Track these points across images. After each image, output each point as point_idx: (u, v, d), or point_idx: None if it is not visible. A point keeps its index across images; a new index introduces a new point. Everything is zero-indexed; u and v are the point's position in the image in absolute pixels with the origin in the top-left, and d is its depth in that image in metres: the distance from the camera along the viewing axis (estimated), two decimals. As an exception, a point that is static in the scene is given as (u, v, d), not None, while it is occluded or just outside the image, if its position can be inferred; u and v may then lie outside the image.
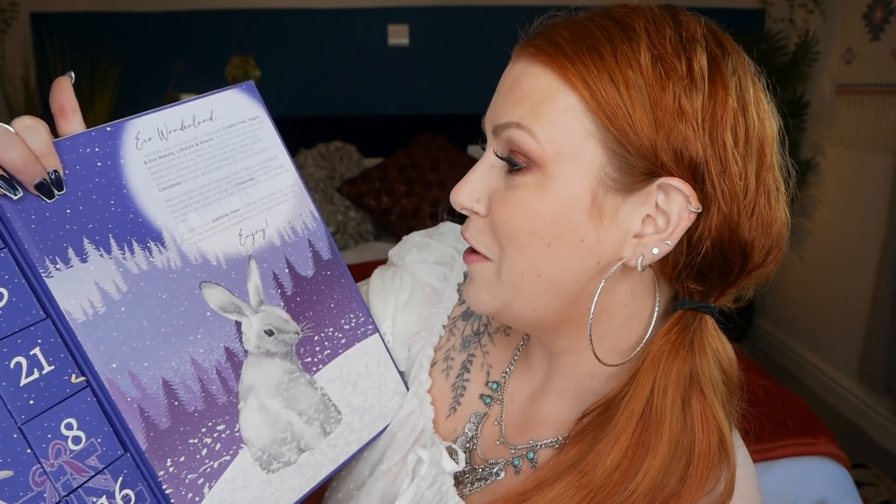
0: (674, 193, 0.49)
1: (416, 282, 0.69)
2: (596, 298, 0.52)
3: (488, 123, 0.54)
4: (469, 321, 0.68)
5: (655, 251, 0.50)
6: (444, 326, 0.68)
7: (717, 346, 0.54)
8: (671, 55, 0.48)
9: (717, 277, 0.52)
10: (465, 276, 0.69)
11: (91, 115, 2.94)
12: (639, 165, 0.48)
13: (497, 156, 0.53)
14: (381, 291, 0.69)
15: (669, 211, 0.49)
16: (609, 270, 0.51)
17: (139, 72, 3.13)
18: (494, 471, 0.61)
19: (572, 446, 0.54)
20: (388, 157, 3.07)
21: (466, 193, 0.54)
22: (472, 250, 0.56)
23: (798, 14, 3.04)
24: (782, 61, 3.03)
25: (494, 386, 0.65)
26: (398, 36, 3.27)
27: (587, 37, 0.49)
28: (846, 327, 2.78)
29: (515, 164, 0.51)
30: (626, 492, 0.50)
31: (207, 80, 3.14)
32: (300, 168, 3.04)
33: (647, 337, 0.55)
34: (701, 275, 0.52)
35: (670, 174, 0.49)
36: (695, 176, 0.49)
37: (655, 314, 0.55)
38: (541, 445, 0.60)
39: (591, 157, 0.49)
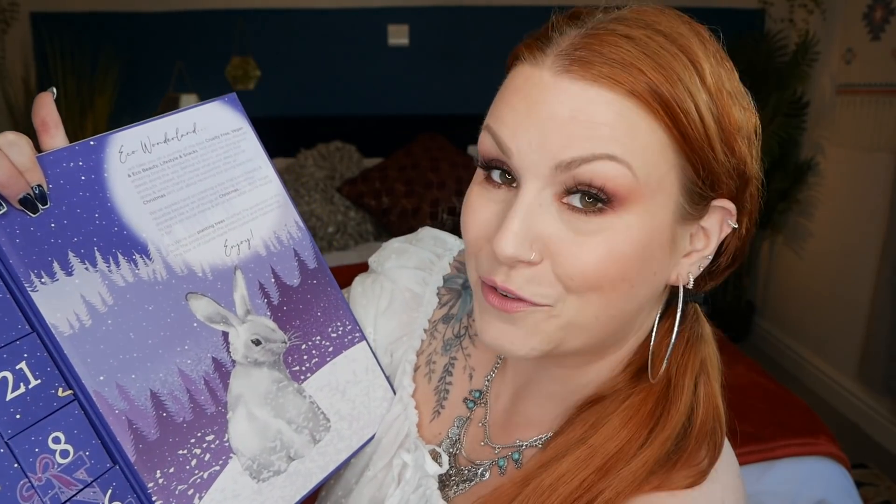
0: (716, 210, 0.49)
1: (396, 287, 0.69)
2: (654, 331, 0.53)
3: (537, 157, 0.46)
4: (449, 324, 0.68)
5: (701, 267, 0.51)
6: (425, 330, 0.67)
7: (711, 331, 0.57)
8: (726, 74, 0.47)
9: (719, 274, 0.54)
10: (444, 278, 0.69)
11: (91, 115, 2.95)
12: (707, 193, 0.48)
13: (568, 204, 0.46)
14: (363, 298, 0.69)
15: (710, 227, 0.50)
16: (661, 294, 0.52)
17: (139, 72, 3.13)
18: (479, 472, 0.60)
19: (571, 430, 0.54)
20: (388, 157, 3.07)
21: (518, 242, 0.46)
22: (502, 294, 0.49)
23: (798, 14, 3.04)
24: (782, 61, 3.03)
25: (477, 394, 0.65)
26: (398, 36, 3.27)
27: (656, 58, 0.44)
28: (846, 327, 2.78)
29: (599, 199, 0.45)
30: (635, 460, 0.50)
31: (207, 80, 3.15)
32: (300, 168, 3.04)
33: (672, 343, 0.53)
34: (710, 275, 0.54)
35: (722, 195, 0.49)
36: (740, 194, 0.49)
37: (658, 315, 0.55)
38: (525, 445, 0.59)
39: (671, 190, 0.46)
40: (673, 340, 0.53)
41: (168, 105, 2.81)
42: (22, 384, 0.43)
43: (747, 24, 3.23)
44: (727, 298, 3.35)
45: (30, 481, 0.42)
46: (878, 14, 2.58)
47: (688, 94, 0.44)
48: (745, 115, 0.48)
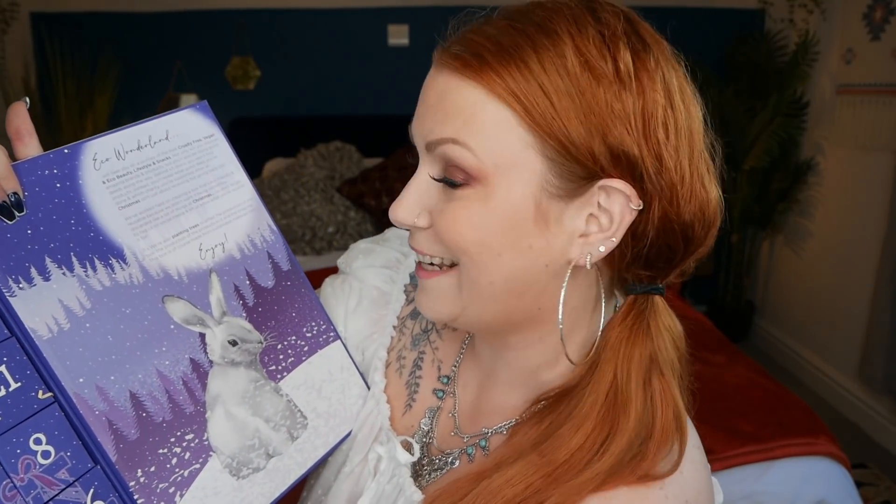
0: (615, 193, 0.50)
1: (364, 286, 0.71)
2: (561, 305, 0.54)
3: (418, 138, 0.54)
4: (417, 320, 0.70)
5: (602, 249, 0.52)
6: (394, 327, 0.70)
7: (669, 324, 0.57)
8: (597, 57, 0.48)
9: (663, 263, 0.54)
10: (411, 276, 0.71)
11: (91, 115, 2.95)
12: (578, 171, 0.49)
13: (432, 178, 0.53)
14: (332, 299, 0.71)
15: (612, 209, 0.51)
16: (564, 274, 0.53)
17: (139, 72, 3.13)
18: (449, 460, 0.62)
19: (529, 427, 0.56)
20: (388, 157, 3.07)
21: (405, 210, 0.54)
22: (421, 265, 0.56)
23: (798, 14, 3.04)
24: (782, 61, 3.03)
25: (445, 380, 0.67)
26: (398, 36, 3.27)
27: (511, 46, 0.49)
28: (846, 327, 2.78)
29: (453, 182, 0.51)
30: (588, 469, 0.51)
31: (207, 80, 3.15)
32: (300, 168, 3.04)
33: (601, 325, 0.56)
34: (647, 262, 0.54)
35: (610, 176, 0.50)
36: (633, 174, 0.50)
37: (603, 302, 0.57)
38: (491, 432, 0.61)
39: (532, 168, 0.49)
40: (601, 326, 0.56)
41: (168, 105, 2.81)
42: (2, 387, 0.43)
43: (747, 24, 3.23)
44: (727, 298, 3.35)
45: (12, 482, 0.43)
46: (878, 14, 2.58)
47: (533, 79, 0.48)
48: (632, 100, 0.49)
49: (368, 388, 0.67)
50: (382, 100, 3.32)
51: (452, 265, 0.55)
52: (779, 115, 2.92)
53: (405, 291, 0.71)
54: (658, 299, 0.57)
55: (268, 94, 3.21)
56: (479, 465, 0.56)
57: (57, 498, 0.44)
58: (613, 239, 0.52)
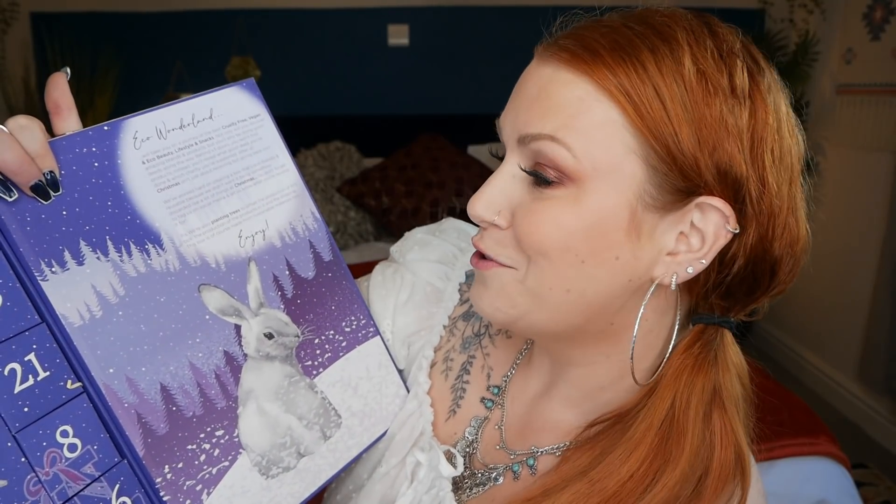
0: (711, 212, 0.48)
1: (417, 280, 0.68)
2: (638, 323, 0.51)
3: (510, 131, 0.51)
4: (470, 322, 0.67)
5: (690, 270, 0.49)
6: (444, 327, 0.66)
7: (737, 361, 0.54)
8: (714, 70, 0.46)
9: (743, 294, 0.52)
10: (467, 275, 0.68)
11: (91, 115, 2.94)
12: (680, 183, 0.47)
13: (523, 169, 0.50)
14: (382, 289, 0.68)
15: (705, 229, 0.48)
16: (645, 291, 0.51)
17: (139, 72, 3.13)
18: (493, 476, 0.60)
19: (581, 454, 0.53)
20: (388, 157, 3.07)
21: (486, 205, 0.51)
22: (482, 255, 0.53)
23: (798, 14, 3.04)
24: (782, 61, 3.03)
25: (496, 390, 0.64)
26: (398, 36, 3.27)
27: (627, 45, 0.46)
28: (846, 327, 2.78)
29: (545, 178, 0.48)
30: (640, 502, 0.49)
31: (207, 80, 3.14)
32: (300, 168, 3.04)
33: (669, 351, 0.54)
34: (728, 292, 0.51)
35: (711, 193, 0.47)
36: (736, 195, 0.48)
37: (676, 330, 0.54)
38: (541, 452, 0.59)
39: (631, 174, 0.47)
40: (669, 352, 0.53)
41: (168, 105, 2.80)
42: (31, 376, 0.42)
43: (747, 24, 3.21)
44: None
45: (37, 476, 0.41)
46: (878, 14, 2.58)
47: (650, 81, 0.46)
48: (744, 117, 0.47)
49: (407, 388, 0.64)
50: (382, 100, 3.32)
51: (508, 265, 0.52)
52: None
53: (460, 290, 0.67)
54: (728, 335, 0.54)
55: (267, 93, 3.19)
56: (526, 490, 0.54)
57: (82, 493, 0.43)
58: (703, 261, 0.49)
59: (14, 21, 3.10)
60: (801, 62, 2.90)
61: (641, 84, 0.46)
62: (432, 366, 0.65)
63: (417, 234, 0.71)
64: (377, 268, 0.71)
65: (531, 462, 0.59)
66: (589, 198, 0.47)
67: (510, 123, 0.51)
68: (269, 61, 3.18)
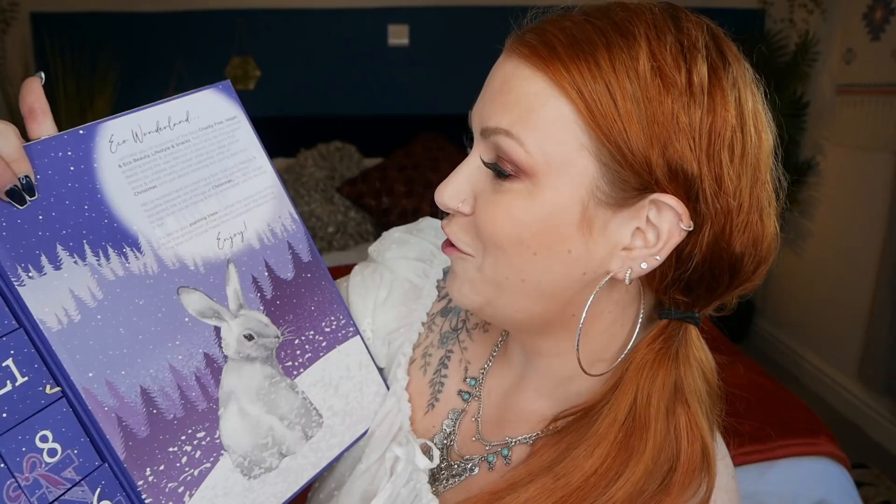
0: (665, 209, 0.48)
1: (396, 278, 0.69)
2: (585, 313, 0.52)
3: (476, 122, 0.52)
4: (448, 317, 0.68)
5: (644, 265, 0.50)
6: (423, 324, 0.67)
7: (701, 356, 0.55)
8: (671, 66, 0.46)
9: (704, 291, 0.52)
10: (445, 271, 0.68)
11: (91, 115, 2.94)
12: (632, 180, 0.47)
13: (483, 162, 0.51)
14: (361, 288, 0.68)
15: (660, 226, 0.48)
16: (598, 283, 0.51)
17: (139, 72, 3.13)
18: (469, 467, 0.61)
19: (547, 448, 0.54)
20: (388, 157, 3.07)
21: (451, 193, 0.52)
22: (450, 243, 0.55)
23: (798, 14, 3.04)
24: (782, 61, 3.03)
25: (472, 382, 0.65)
26: (398, 36, 3.27)
27: (584, 41, 0.47)
28: (846, 327, 2.78)
29: (503, 171, 0.49)
30: (604, 497, 0.49)
31: (207, 81, 3.12)
32: (300, 168, 3.04)
33: (630, 345, 0.54)
34: (688, 288, 0.52)
35: (664, 190, 0.47)
36: (689, 193, 0.47)
37: (640, 323, 0.55)
38: (515, 442, 0.60)
39: (583, 170, 0.47)
40: (631, 344, 0.54)
41: (168, 105, 2.80)
42: (8, 381, 0.41)
43: (747, 24, 3.23)
44: (727, 298, 3.35)
45: (17, 481, 0.41)
46: (878, 14, 2.58)
47: (601, 77, 0.46)
48: (701, 116, 0.46)
49: (387, 386, 0.65)
50: (382, 100, 3.32)
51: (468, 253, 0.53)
52: (779, 115, 2.91)
53: (437, 287, 0.68)
54: (692, 330, 0.54)
55: (268, 94, 3.20)
56: (493, 484, 0.55)
57: (62, 498, 0.43)
58: (658, 257, 0.49)
59: (14, 21, 3.10)
60: (801, 62, 2.90)
61: (594, 81, 0.46)
62: (411, 362, 0.66)
63: (395, 234, 0.72)
64: (356, 268, 0.71)
65: (506, 452, 0.60)
66: (542, 192, 0.48)
67: (476, 115, 0.52)
68: (269, 61, 3.18)
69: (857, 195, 2.72)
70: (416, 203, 2.89)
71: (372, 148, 3.23)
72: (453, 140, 3.14)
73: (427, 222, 0.72)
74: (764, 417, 1.60)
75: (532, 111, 0.47)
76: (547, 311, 0.53)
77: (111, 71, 2.97)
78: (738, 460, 1.48)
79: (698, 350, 0.55)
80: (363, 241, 2.96)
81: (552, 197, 0.48)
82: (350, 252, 2.82)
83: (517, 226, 0.49)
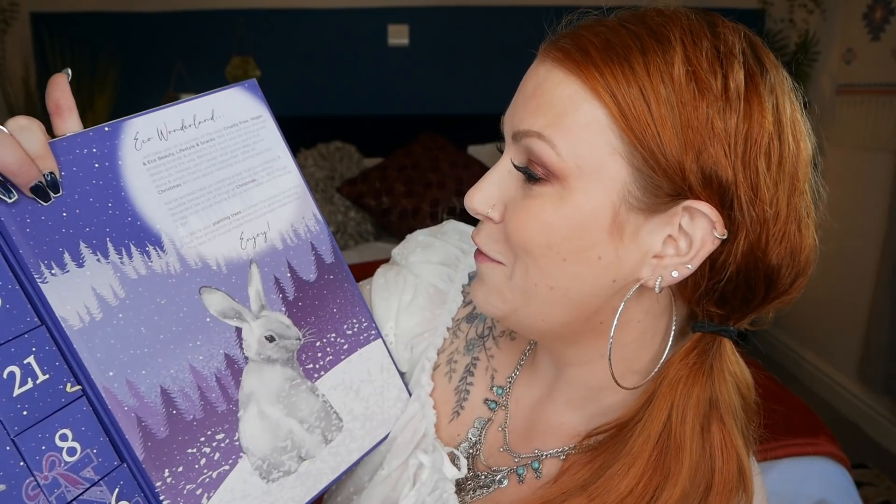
0: (699, 216, 0.47)
1: (420, 282, 0.67)
2: (616, 321, 0.51)
3: (507, 126, 0.52)
4: (473, 324, 0.66)
5: (675, 274, 0.48)
6: (448, 329, 0.66)
7: (736, 370, 0.53)
8: (706, 71, 0.45)
9: (739, 303, 0.50)
10: (470, 276, 0.68)
11: (90, 116, 2.94)
12: (665, 186, 0.46)
13: (514, 165, 0.50)
14: (385, 291, 0.67)
15: (693, 234, 0.47)
16: (628, 291, 0.50)
17: (139, 72, 3.12)
18: (497, 478, 0.59)
19: (580, 466, 0.53)
20: (388, 157, 3.07)
21: (481, 199, 0.51)
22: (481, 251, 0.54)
23: (798, 14, 3.04)
24: (782, 61, 3.02)
25: (499, 391, 0.63)
26: (398, 36, 3.27)
27: (618, 45, 0.46)
28: (846, 327, 2.78)
29: (533, 175, 0.48)
30: None
31: (207, 80, 3.14)
32: (300, 168, 3.04)
33: (664, 357, 0.53)
34: (722, 299, 0.50)
35: (697, 197, 0.46)
36: (723, 201, 0.46)
37: (672, 335, 0.53)
38: (546, 455, 0.59)
39: (615, 175, 0.46)
40: (663, 359, 0.53)
41: (168, 105, 2.80)
42: (30, 379, 0.41)
43: (747, 24, 3.21)
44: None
45: (35, 480, 0.41)
46: (878, 14, 2.58)
47: (635, 81, 0.45)
48: (736, 122, 0.46)
49: (409, 391, 0.64)
50: (382, 100, 3.32)
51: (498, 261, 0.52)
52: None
53: (463, 292, 0.67)
54: (727, 344, 0.52)
55: (267, 93, 3.18)
56: (525, 499, 0.53)
57: (81, 497, 0.42)
58: (689, 266, 0.48)
59: (14, 21, 3.10)
60: (801, 62, 2.90)
61: (627, 85, 0.45)
62: (435, 368, 0.65)
63: (419, 237, 0.71)
64: (379, 270, 0.70)
65: (536, 465, 0.59)
66: (573, 196, 0.47)
67: (508, 119, 0.52)
68: (269, 61, 3.17)
69: (857, 195, 2.72)
70: (416, 203, 2.88)
71: (372, 148, 3.23)
72: (453, 140, 3.14)
73: (451, 225, 0.72)
74: (764, 417, 1.60)
75: (565, 114, 0.47)
76: (575, 319, 0.52)
77: (111, 71, 2.97)
78: (738, 460, 1.48)
79: (733, 364, 0.53)
80: (363, 241, 2.95)
81: (583, 201, 0.47)
82: (350, 252, 2.82)
83: (546, 230, 0.48)
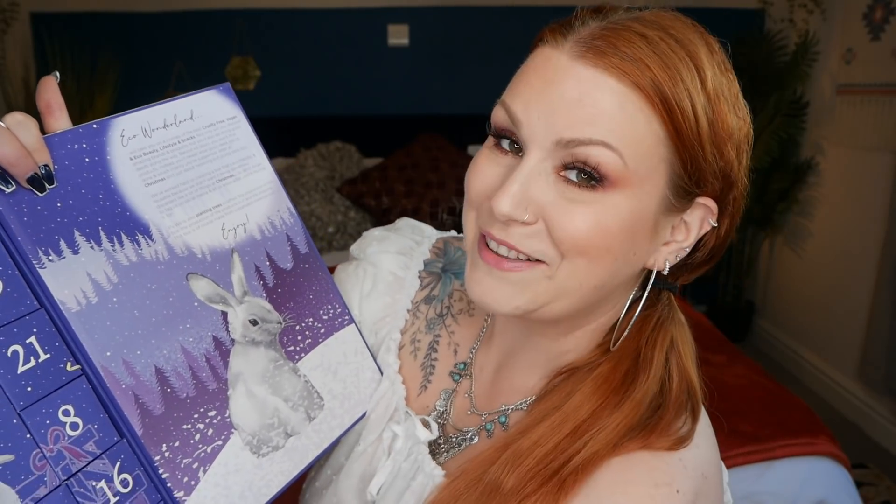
0: (698, 206, 0.53)
1: (379, 271, 0.72)
2: (625, 309, 0.58)
3: (544, 131, 0.50)
4: (432, 304, 0.71)
5: (676, 257, 0.55)
6: (408, 311, 0.71)
7: (682, 316, 0.62)
8: (726, 81, 0.51)
9: (695, 268, 0.59)
10: (425, 263, 0.72)
11: (91, 115, 2.94)
12: (692, 189, 0.52)
13: (560, 173, 0.50)
14: (346, 284, 0.72)
15: (691, 221, 0.54)
16: (640, 277, 0.57)
17: (139, 72, 3.13)
18: (468, 437, 0.63)
19: (551, 396, 0.57)
20: (388, 157, 3.07)
21: (514, 203, 0.50)
22: (497, 255, 0.53)
23: (798, 14, 3.04)
24: (782, 61, 3.03)
25: (461, 366, 0.68)
26: (398, 36, 3.27)
27: (665, 57, 0.48)
28: (846, 327, 2.78)
29: (595, 178, 0.49)
30: (607, 422, 0.53)
31: (207, 80, 3.13)
32: (300, 168, 3.04)
33: (623, 311, 0.59)
34: (686, 267, 0.59)
35: (706, 193, 0.53)
36: (722, 194, 0.53)
37: (631, 296, 0.60)
38: (511, 409, 0.63)
39: (659, 181, 0.51)
40: (637, 313, 0.59)
41: (168, 105, 2.80)
42: (32, 358, 0.44)
43: (747, 24, 3.23)
44: (727, 298, 3.35)
45: (42, 451, 0.44)
46: (878, 14, 2.58)
47: (686, 95, 0.48)
48: (738, 122, 0.52)
49: (381, 372, 0.68)
50: (382, 100, 3.33)
51: (537, 259, 0.52)
52: (779, 115, 2.92)
53: (419, 277, 0.72)
54: (669, 295, 0.61)
55: (268, 94, 3.20)
56: (503, 437, 0.56)
57: (85, 470, 0.45)
58: (686, 248, 0.55)
59: (14, 21, 3.10)
60: (801, 62, 2.91)
61: (680, 100, 0.48)
62: (400, 348, 0.70)
63: (375, 232, 0.76)
64: (339, 267, 0.75)
65: (503, 419, 0.63)
66: (628, 202, 0.50)
67: (543, 123, 0.50)
68: (269, 61, 3.18)
69: (857, 195, 2.73)
70: (416, 203, 2.89)
71: (372, 148, 3.23)
72: (453, 140, 3.14)
73: (403, 222, 0.77)
74: (764, 417, 1.60)
75: (625, 125, 0.48)
76: (588, 306, 0.56)
77: (111, 71, 2.98)
78: (738, 460, 1.48)
79: (678, 312, 0.61)
80: (363, 241, 2.95)
81: (636, 207, 0.50)
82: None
83: (607, 235, 0.50)
